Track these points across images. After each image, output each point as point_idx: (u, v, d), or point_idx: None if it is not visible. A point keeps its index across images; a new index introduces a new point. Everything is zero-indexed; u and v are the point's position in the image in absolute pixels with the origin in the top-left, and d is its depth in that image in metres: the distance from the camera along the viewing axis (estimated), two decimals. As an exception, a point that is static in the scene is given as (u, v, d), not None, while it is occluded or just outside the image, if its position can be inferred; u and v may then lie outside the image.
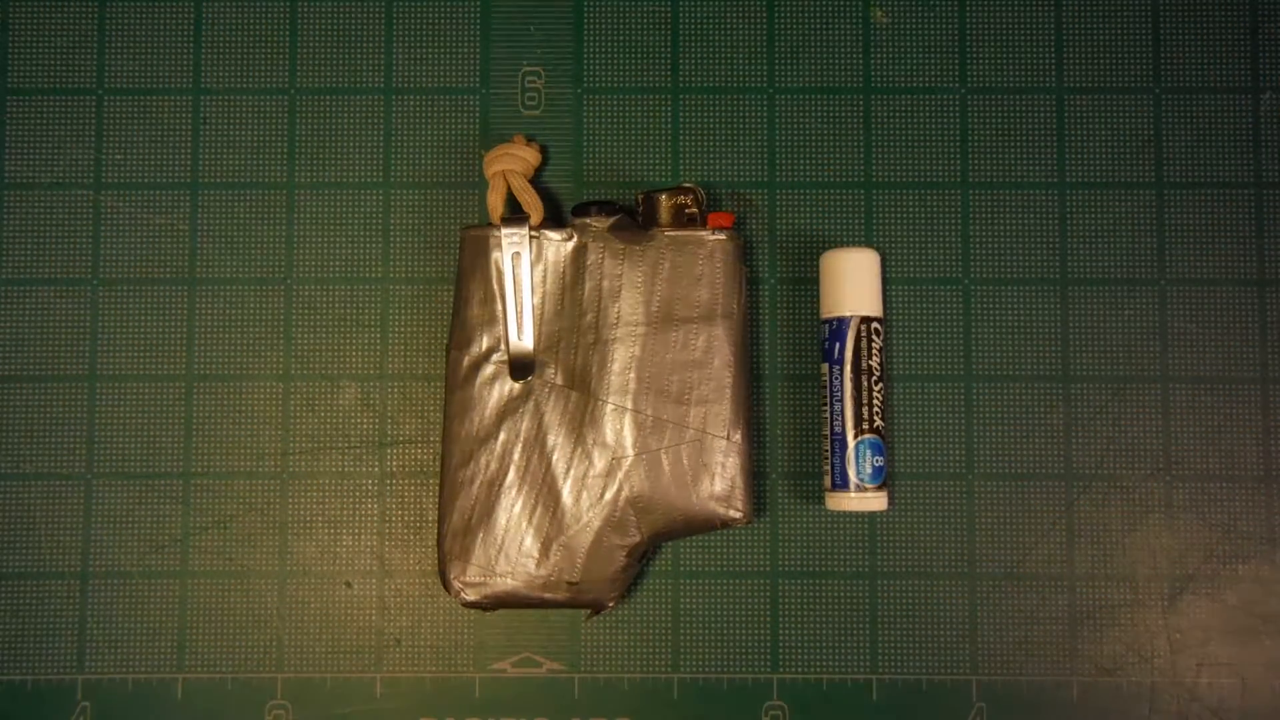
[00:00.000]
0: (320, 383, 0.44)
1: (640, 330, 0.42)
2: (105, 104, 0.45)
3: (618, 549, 0.41)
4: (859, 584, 0.43)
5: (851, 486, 0.41)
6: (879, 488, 0.41)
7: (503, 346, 0.42)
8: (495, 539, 0.41)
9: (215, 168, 0.45)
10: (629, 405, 0.41)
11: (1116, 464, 0.44)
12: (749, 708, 0.43)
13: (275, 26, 0.45)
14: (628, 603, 0.43)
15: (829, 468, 0.42)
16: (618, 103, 0.45)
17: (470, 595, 0.41)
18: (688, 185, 0.42)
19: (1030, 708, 0.43)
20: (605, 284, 0.42)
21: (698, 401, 0.41)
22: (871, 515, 0.44)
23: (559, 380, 0.42)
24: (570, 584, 0.41)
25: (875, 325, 0.42)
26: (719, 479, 0.41)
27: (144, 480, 0.44)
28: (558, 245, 0.42)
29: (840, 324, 0.42)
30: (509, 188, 0.42)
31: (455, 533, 0.41)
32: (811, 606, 0.43)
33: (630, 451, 0.41)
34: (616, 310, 0.42)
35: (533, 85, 0.45)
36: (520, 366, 0.42)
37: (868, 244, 0.44)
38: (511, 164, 0.42)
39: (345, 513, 0.44)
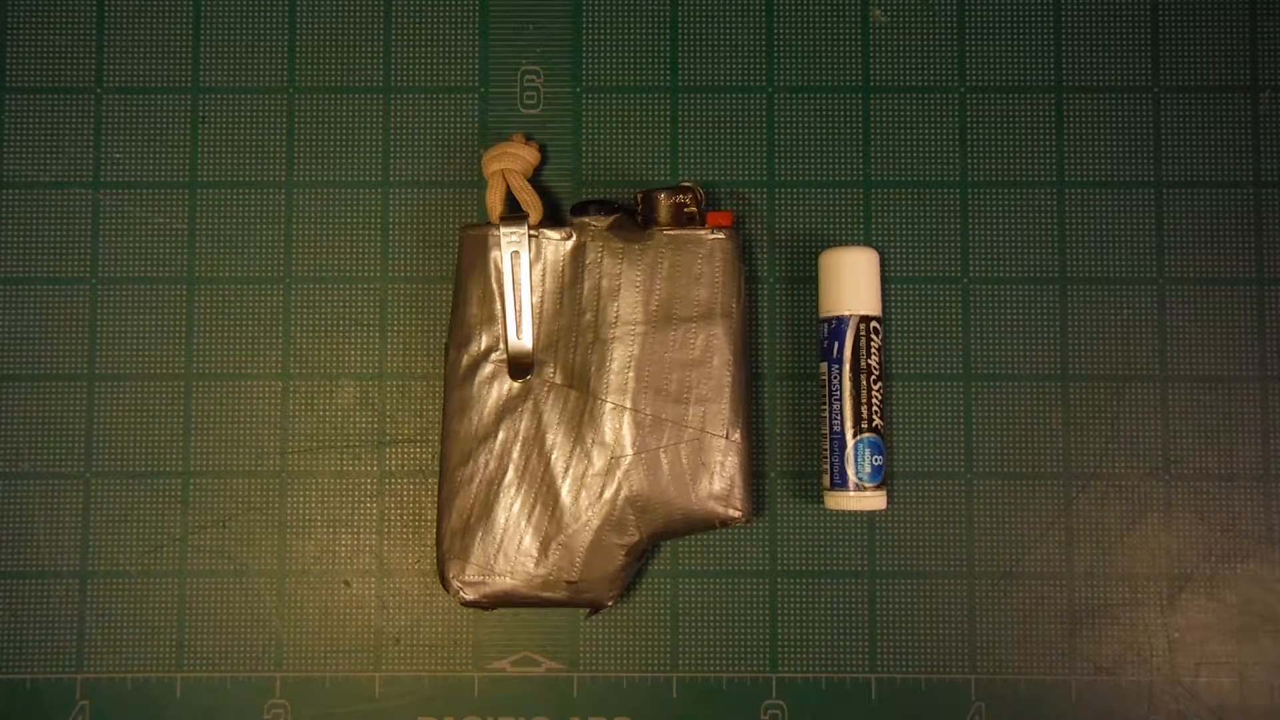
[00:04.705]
0: (319, 382, 0.44)
1: (639, 329, 0.42)
2: (104, 103, 0.45)
3: (617, 548, 0.41)
4: (858, 583, 0.43)
5: (850, 485, 0.41)
6: (878, 487, 0.41)
7: (501, 345, 0.42)
8: (494, 538, 0.41)
9: (214, 167, 0.45)
10: (628, 404, 0.41)
11: (1115, 463, 0.44)
12: (748, 706, 0.43)
13: (274, 25, 0.45)
14: (627, 602, 0.43)
15: (828, 467, 0.42)
16: (617, 102, 0.45)
17: (469, 594, 0.41)
18: (687, 184, 0.42)
19: (1029, 707, 0.43)
20: (604, 283, 0.42)
21: (697, 400, 0.41)
22: (870, 514, 0.44)
23: (558, 379, 0.42)
24: (569, 583, 0.41)
25: (874, 324, 0.42)
26: (718, 478, 0.41)
27: (143, 479, 0.44)
28: (557, 244, 0.42)
29: (839, 323, 0.42)
30: (508, 187, 0.42)
31: (454, 532, 0.41)
32: (810, 605, 0.43)
33: (629, 450, 0.41)
34: (615, 309, 0.42)
35: (532, 84, 0.45)
36: (519, 365, 0.42)
37: (867, 243, 0.44)
38: (510, 163, 0.42)
39: (344, 512, 0.44)
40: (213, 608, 0.43)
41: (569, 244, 0.42)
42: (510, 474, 0.41)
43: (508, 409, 0.41)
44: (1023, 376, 0.44)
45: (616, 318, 0.42)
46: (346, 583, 0.44)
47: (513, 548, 0.41)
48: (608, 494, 0.41)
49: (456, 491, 0.41)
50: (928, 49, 0.45)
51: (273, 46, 0.45)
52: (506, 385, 0.42)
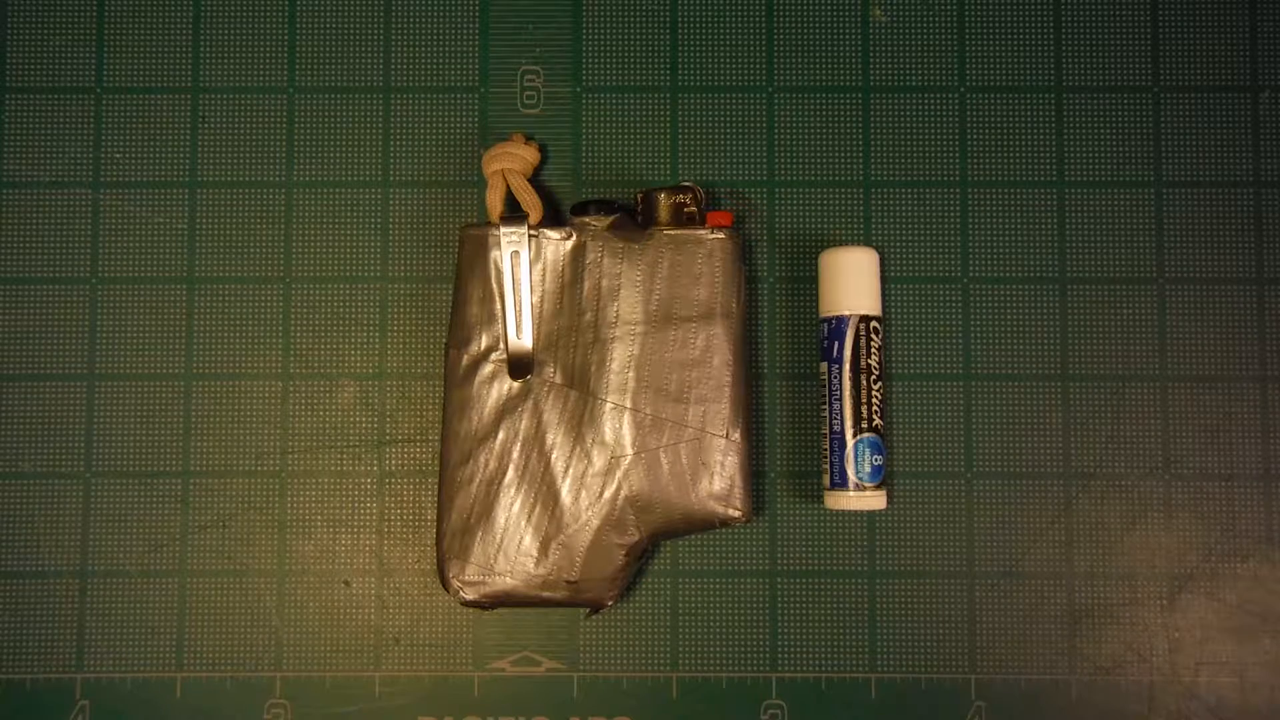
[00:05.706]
0: (319, 381, 0.44)
1: (639, 329, 0.42)
2: (104, 102, 0.45)
3: (617, 548, 0.41)
4: (858, 583, 0.43)
5: (850, 485, 0.41)
6: (878, 486, 0.41)
7: (502, 345, 0.42)
8: (494, 538, 0.41)
9: (214, 166, 0.45)
10: (628, 404, 0.41)
11: (1115, 463, 0.44)
12: (748, 706, 0.43)
13: (274, 25, 0.45)
14: (627, 601, 0.43)
15: (828, 466, 0.42)
16: (617, 101, 0.45)
17: (469, 594, 0.41)
18: (687, 184, 0.42)
19: (1029, 706, 0.43)
20: (604, 283, 0.42)
21: (697, 400, 0.41)
22: (870, 514, 0.44)
23: (558, 379, 0.42)
24: (569, 583, 0.41)
25: (874, 324, 0.42)
26: (718, 478, 0.41)
27: (143, 479, 0.44)
28: (557, 244, 0.42)
29: (839, 323, 0.42)
30: (508, 186, 0.42)
31: (454, 531, 0.41)
32: (810, 605, 0.43)
33: (629, 450, 0.41)
34: (615, 309, 0.42)
35: (531, 84, 0.45)
36: (519, 365, 0.42)
37: (867, 243, 0.44)
38: (510, 163, 0.42)
39: (344, 512, 0.44)
40: (213, 608, 0.43)
41: (569, 244, 0.42)
42: (510, 474, 0.41)
43: (508, 409, 0.41)
44: (1023, 376, 0.44)
45: (616, 317, 0.42)
46: (346, 583, 0.44)
47: (513, 547, 0.41)
48: (608, 494, 0.41)
49: (456, 491, 0.41)
50: (928, 49, 0.45)
51: (273, 46, 0.45)
52: (506, 385, 0.42)
